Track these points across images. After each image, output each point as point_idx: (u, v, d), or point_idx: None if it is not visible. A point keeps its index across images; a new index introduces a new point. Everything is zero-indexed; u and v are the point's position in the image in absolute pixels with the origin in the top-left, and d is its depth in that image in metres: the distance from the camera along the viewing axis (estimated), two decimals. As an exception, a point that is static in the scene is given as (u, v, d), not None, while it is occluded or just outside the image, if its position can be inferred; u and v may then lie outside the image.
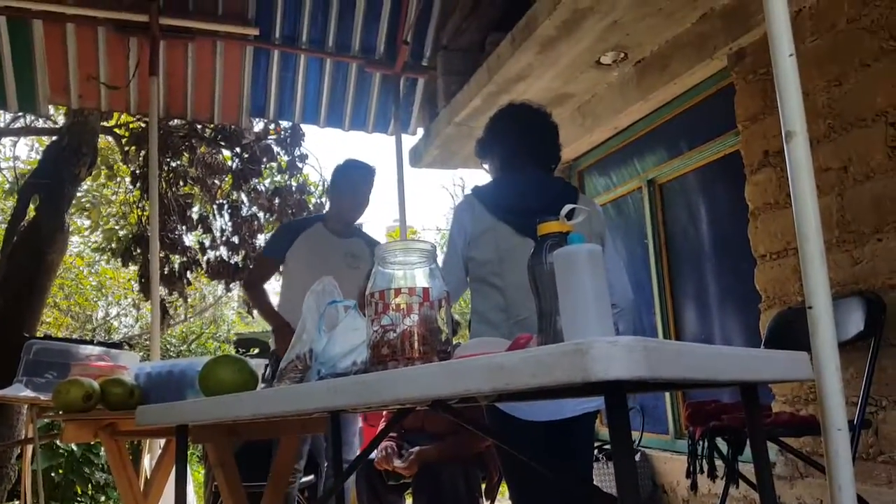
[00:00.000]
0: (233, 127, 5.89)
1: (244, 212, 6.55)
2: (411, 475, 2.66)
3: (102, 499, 6.66)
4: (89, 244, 9.59)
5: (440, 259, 1.85)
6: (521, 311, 1.84)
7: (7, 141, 7.85)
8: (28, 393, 2.78)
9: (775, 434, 2.26)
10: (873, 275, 2.48)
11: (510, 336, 1.53)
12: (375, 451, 2.78)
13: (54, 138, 5.96)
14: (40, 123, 7.00)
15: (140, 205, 6.52)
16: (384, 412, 2.94)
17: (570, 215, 1.11)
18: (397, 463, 2.69)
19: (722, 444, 2.38)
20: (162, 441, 2.87)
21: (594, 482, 3.69)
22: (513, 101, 2.18)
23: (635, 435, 3.79)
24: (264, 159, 6.35)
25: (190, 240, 6.59)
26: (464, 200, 2.06)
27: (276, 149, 6.43)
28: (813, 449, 2.65)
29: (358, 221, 3.18)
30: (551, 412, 1.87)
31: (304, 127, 6.34)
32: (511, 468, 1.94)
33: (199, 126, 6.22)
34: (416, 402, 1.12)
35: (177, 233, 6.22)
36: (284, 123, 6.19)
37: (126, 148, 6.35)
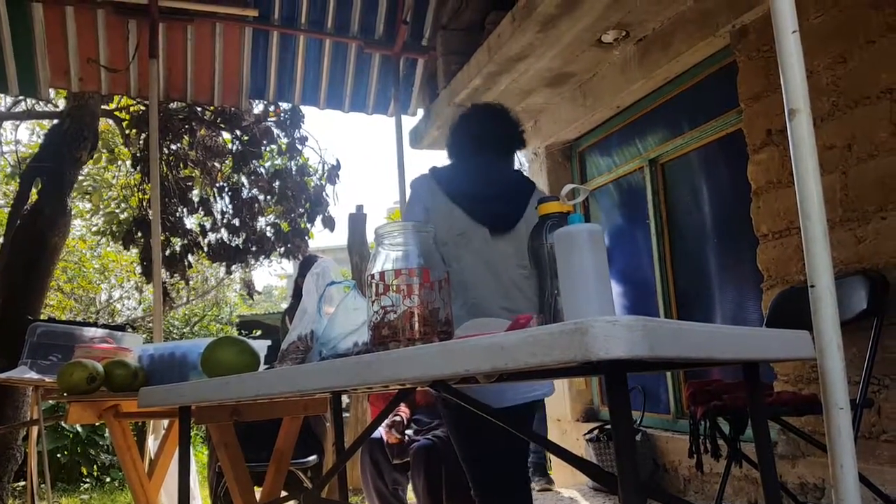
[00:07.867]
0: (232, 109, 5.86)
1: (244, 194, 6.55)
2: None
3: (108, 479, 6.74)
4: (91, 228, 9.59)
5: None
6: (474, 294, 1.86)
7: (8, 125, 7.81)
8: (33, 375, 2.80)
9: (777, 413, 2.27)
10: (877, 253, 2.47)
11: (463, 319, 1.58)
12: (382, 425, 2.88)
13: (55, 122, 5.93)
14: (41, 107, 6.97)
15: (141, 188, 6.52)
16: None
17: (570, 196, 1.10)
18: (397, 435, 2.89)
19: (724, 424, 2.39)
20: (166, 422, 2.89)
21: (596, 463, 3.71)
22: (474, 103, 2.26)
23: (636, 415, 3.80)
24: (264, 141, 6.34)
25: (191, 222, 6.59)
26: (421, 177, 2.04)
27: (275, 131, 6.41)
28: (815, 428, 2.66)
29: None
30: (510, 398, 1.87)
31: (304, 109, 6.32)
32: (469, 445, 1.90)
33: (199, 109, 6.20)
34: (417, 382, 1.12)
35: (177, 215, 6.22)
36: (284, 105, 6.17)
37: (127, 131, 6.33)
